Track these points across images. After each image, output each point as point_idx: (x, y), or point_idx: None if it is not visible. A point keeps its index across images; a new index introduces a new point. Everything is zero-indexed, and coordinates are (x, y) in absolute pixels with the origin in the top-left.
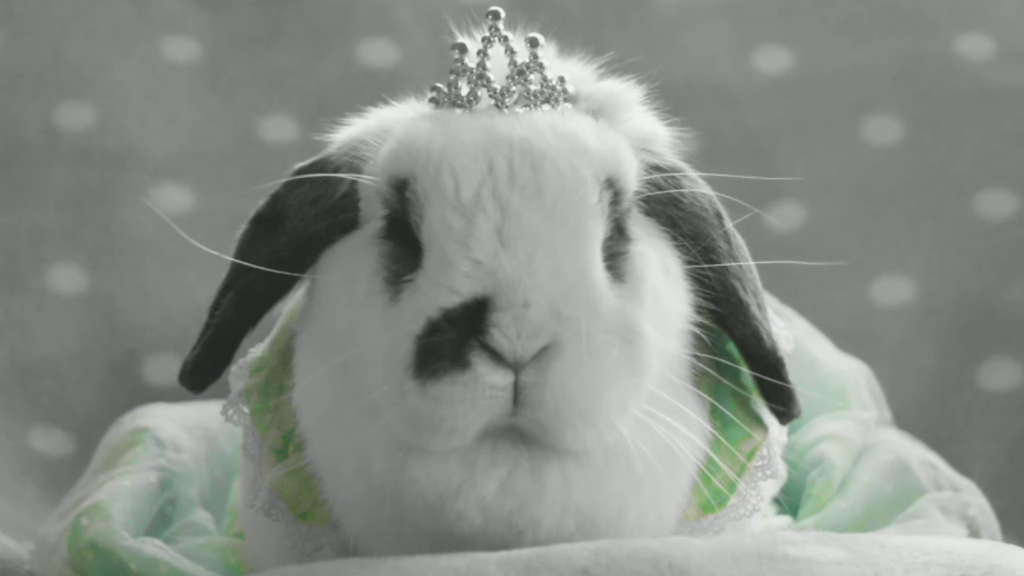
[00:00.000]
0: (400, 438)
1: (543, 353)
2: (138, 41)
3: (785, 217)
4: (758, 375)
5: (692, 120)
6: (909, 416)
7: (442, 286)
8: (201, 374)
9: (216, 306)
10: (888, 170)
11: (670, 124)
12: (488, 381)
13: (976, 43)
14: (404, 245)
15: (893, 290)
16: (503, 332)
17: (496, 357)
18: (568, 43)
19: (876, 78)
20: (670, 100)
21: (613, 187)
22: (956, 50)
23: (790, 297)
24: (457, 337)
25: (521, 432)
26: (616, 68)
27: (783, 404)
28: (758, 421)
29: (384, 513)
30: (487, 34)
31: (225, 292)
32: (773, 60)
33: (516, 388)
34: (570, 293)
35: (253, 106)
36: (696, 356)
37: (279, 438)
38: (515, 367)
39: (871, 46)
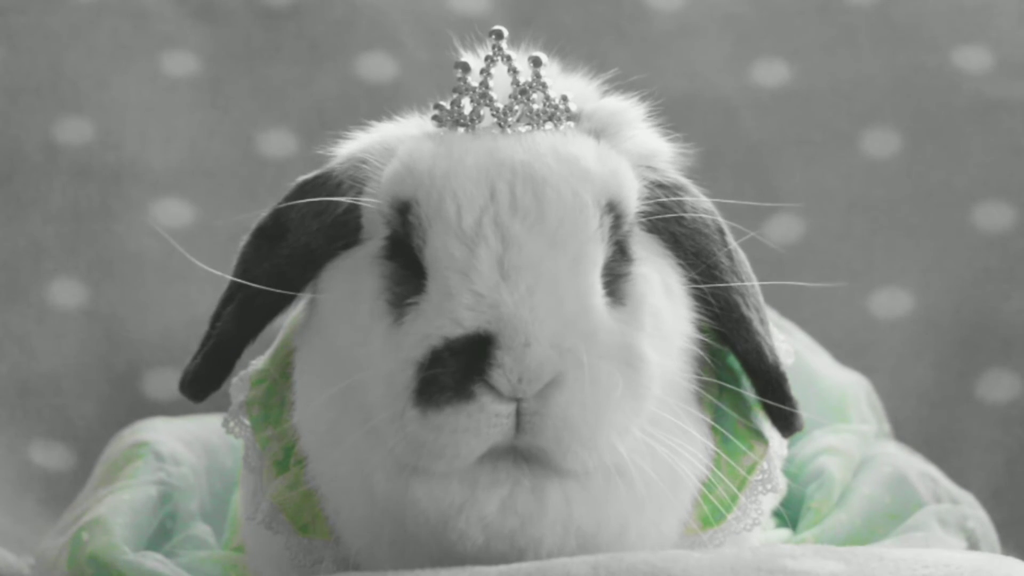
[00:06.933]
0: (402, 460)
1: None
2: (137, 56)
3: (784, 230)
4: (760, 390)
5: (691, 133)
6: (908, 428)
7: (445, 316)
8: (202, 384)
9: (217, 316)
10: (887, 183)
11: (670, 139)
12: (492, 410)
13: (974, 56)
14: (407, 266)
15: (892, 302)
16: (506, 375)
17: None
18: (567, 57)
19: (874, 91)
20: (669, 114)
21: (614, 211)
22: (954, 63)
23: (789, 310)
24: (459, 369)
25: (522, 451)
26: (618, 85)
27: (785, 418)
28: (758, 435)
29: (386, 532)
30: (490, 53)
31: (226, 303)
32: (771, 73)
33: (518, 414)
34: (570, 325)
35: (252, 120)
36: (697, 372)
37: (280, 450)
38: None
39: (869, 59)
